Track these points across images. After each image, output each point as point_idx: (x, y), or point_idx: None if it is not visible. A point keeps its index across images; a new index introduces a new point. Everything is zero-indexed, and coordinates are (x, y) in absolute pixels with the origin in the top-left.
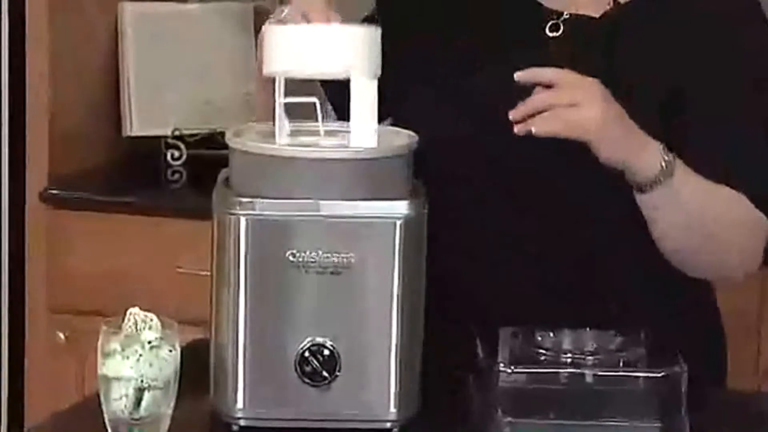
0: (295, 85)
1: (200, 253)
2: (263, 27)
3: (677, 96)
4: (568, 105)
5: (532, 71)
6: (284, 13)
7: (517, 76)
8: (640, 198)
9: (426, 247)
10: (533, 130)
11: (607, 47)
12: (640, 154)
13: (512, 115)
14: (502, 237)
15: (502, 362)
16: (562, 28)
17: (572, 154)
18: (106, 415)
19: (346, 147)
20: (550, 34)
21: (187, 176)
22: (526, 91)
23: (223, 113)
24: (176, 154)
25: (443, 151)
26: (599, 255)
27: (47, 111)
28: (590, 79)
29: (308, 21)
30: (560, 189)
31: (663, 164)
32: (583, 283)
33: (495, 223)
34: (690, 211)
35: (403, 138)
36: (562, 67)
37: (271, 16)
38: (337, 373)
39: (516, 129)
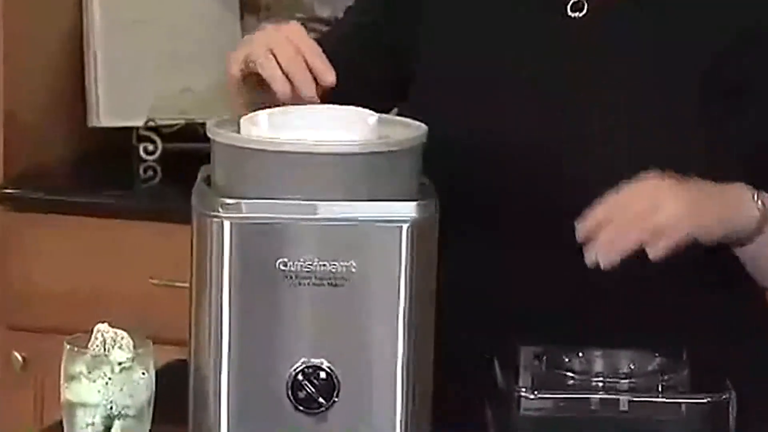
0: None
1: (177, 262)
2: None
3: (733, 68)
4: (644, 211)
5: (584, 225)
6: (253, 56)
7: (579, 237)
8: (739, 251)
9: (437, 255)
10: (609, 258)
11: (639, 26)
12: (736, 213)
13: (579, 236)
14: (529, 246)
15: (523, 387)
16: (586, 6)
17: (618, 155)
18: None
19: (347, 140)
20: (573, 15)
21: (162, 173)
22: (550, 78)
23: (204, 101)
24: (150, 147)
25: (457, 148)
26: (640, 270)
27: (1, 99)
28: (648, 174)
29: (275, 56)
30: (597, 193)
31: (758, 210)
32: (619, 297)
33: (521, 229)
34: None
35: (411, 130)
36: (587, 53)
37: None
38: (335, 400)
39: (588, 259)
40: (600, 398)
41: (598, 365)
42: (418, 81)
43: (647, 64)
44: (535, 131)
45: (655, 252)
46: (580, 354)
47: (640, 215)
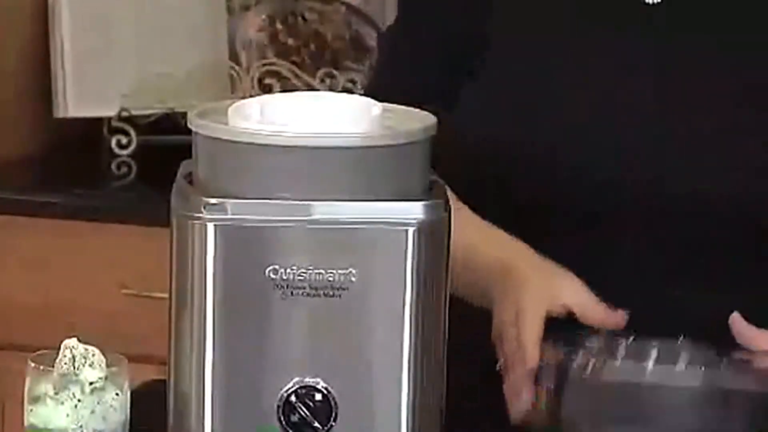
0: None
1: (155, 270)
2: None
3: None
4: None
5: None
6: None
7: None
8: None
9: (448, 261)
10: None
11: (720, 14)
12: None
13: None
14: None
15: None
16: None
17: (697, 156)
18: None
19: (346, 132)
20: (649, 1)
21: (137, 170)
22: (627, 70)
23: (184, 89)
24: (123, 141)
25: (505, 155)
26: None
27: None
28: None
29: None
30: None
31: None
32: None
33: (562, 241)
34: None
35: (420, 121)
36: (664, 42)
37: None
38: (333, 424)
39: None
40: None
41: (652, 355)
42: (482, 80)
43: (729, 56)
44: (605, 144)
45: None
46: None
47: None
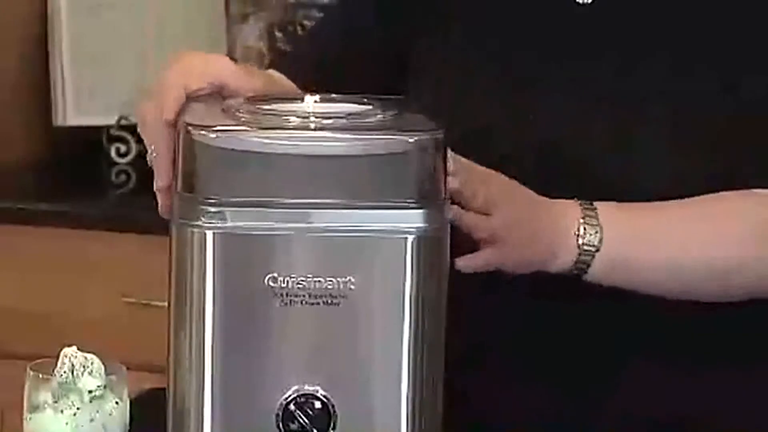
0: None
1: (154, 279)
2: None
3: None
4: None
5: None
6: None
7: None
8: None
9: (447, 269)
10: None
11: (656, 16)
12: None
13: None
14: None
15: None
16: None
17: (632, 157)
18: None
19: (345, 139)
20: (580, 0)
21: (136, 178)
22: (553, 73)
23: None
24: (123, 149)
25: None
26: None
27: None
28: None
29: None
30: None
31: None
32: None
33: None
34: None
35: (420, 127)
36: (594, 45)
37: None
38: None
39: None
40: None
41: None
42: (414, 80)
43: (664, 59)
44: (539, 130)
45: None
46: None
47: None
